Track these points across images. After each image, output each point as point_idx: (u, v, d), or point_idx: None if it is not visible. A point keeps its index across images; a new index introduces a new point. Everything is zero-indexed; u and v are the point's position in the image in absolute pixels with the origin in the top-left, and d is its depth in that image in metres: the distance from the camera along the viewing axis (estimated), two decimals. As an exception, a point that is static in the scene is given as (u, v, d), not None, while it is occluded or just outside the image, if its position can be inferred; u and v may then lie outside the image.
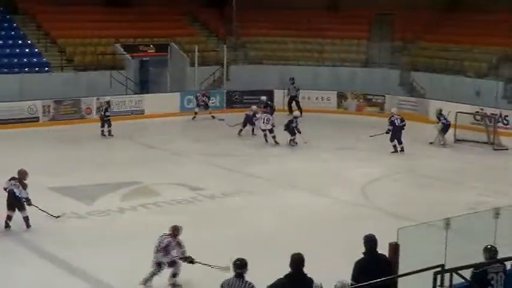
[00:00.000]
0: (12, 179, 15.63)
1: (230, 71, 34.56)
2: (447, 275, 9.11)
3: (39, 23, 33.31)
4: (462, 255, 10.44)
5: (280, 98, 32.39)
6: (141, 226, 16.04)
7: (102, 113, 26.60)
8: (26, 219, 15.63)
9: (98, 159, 22.96)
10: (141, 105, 30.70)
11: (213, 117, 30.41)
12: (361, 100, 32.95)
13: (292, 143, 24.97)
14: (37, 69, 31.05)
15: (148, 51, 33.35)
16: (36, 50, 32.00)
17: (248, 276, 9.14)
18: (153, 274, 12.60)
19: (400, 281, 9.69)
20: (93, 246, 14.71)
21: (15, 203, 15.56)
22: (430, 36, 35.66)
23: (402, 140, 24.26)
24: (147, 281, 12.58)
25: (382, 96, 32.61)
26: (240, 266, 9.17)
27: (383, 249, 10.22)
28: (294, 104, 31.90)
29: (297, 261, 8.97)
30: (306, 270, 8.97)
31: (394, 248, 10.56)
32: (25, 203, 15.60)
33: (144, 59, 33.74)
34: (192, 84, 33.03)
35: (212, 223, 16.51)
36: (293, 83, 32.22)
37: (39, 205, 15.95)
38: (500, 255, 10.25)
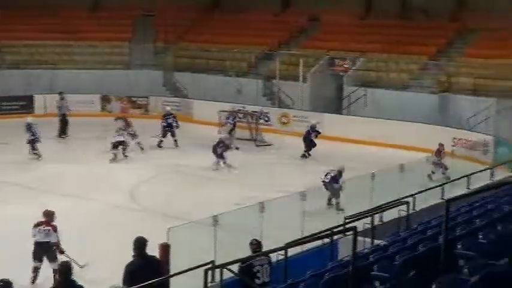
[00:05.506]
0: (38, 224, 13.33)
1: (-15, 76, 32.82)
2: (218, 271, 9.25)
3: None
4: (232, 251, 10.68)
5: (40, 103, 31.24)
6: None
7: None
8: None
9: None
10: None
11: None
12: (125, 102, 32.73)
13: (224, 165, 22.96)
14: None
15: None
16: None
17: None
18: None
19: (173, 281, 9.70)
20: None
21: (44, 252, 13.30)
22: (191, 37, 36.20)
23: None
24: None
25: (146, 97, 32.65)
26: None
27: (156, 250, 10.20)
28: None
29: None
30: (75, 277, 8.72)
31: (164, 248, 10.59)
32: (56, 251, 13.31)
33: None
34: None
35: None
36: (63, 98, 28.63)
37: None
38: (266, 248, 10.58)
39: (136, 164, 23.27)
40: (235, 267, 9.74)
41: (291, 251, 10.90)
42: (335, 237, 12.04)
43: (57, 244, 13.17)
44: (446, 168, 20.93)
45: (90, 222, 16.76)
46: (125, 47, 36.17)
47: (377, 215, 14.03)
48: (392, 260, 7.99)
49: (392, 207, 14.61)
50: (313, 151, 24.64)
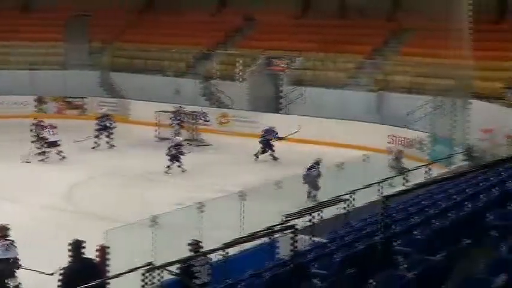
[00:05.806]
0: None
1: None
2: (157, 272, 9.16)
3: None
4: (172, 251, 10.60)
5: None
6: None
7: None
8: None
9: None
10: None
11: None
12: (60, 103, 32.25)
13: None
14: None
15: None
16: None
17: None
18: None
19: (112, 283, 9.59)
20: None
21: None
22: (128, 37, 35.83)
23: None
24: None
25: (81, 98, 32.22)
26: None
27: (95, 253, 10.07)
28: None
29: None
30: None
31: (102, 250, 10.45)
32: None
33: None
34: None
35: None
36: None
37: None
38: (206, 248, 10.55)
39: (71, 165, 22.91)
40: (175, 268, 9.68)
41: (231, 251, 10.87)
42: (275, 235, 12.06)
43: (17, 259, 11.70)
44: (405, 170, 20.65)
45: (26, 227, 16.40)
46: (59, 47, 35.56)
47: (316, 212, 14.10)
48: (331, 257, 8.03)
49: (331, 205, 14.71)
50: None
